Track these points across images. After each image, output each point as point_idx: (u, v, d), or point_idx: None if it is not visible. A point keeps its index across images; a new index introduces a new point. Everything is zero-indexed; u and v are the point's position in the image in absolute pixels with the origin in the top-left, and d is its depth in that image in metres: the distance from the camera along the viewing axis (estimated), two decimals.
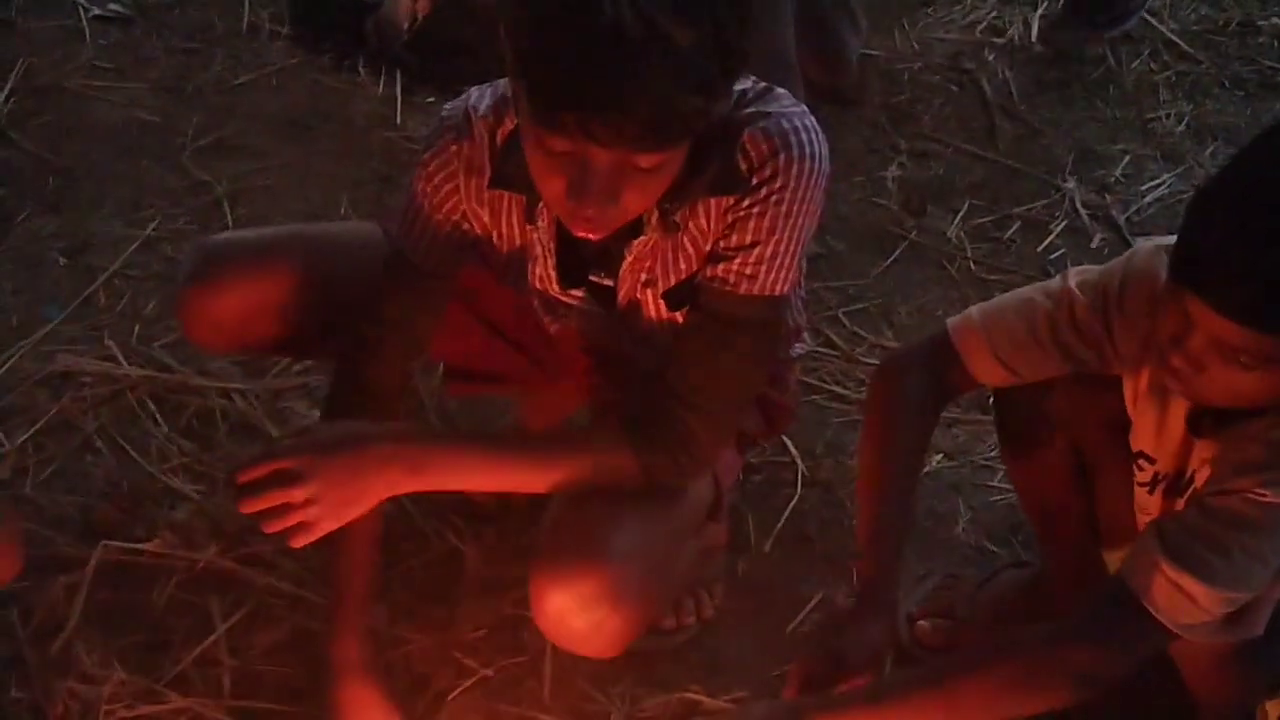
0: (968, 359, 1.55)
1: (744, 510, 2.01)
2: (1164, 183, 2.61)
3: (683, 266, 1.53)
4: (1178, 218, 2.45)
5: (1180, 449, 1.51)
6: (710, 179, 1.45)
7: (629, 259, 1.53)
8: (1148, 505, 1.59)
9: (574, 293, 1.60)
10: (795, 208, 1.46)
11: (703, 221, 1.49)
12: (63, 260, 2.44)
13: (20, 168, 2.62)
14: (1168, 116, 2.77)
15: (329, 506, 1.45)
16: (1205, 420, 1.45)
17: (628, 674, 1.80)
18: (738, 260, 1.48)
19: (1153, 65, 2.88)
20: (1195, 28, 2.96)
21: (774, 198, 1.45)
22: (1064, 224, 2.53)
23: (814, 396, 2.19)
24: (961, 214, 2.55)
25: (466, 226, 1.59)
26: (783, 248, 1.48)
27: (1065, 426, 1.63)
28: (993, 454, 2.08)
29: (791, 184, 1.45)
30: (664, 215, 1.47)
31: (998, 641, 1.58)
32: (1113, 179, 2.63)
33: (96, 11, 2.99)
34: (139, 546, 1.93)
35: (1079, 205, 2.56)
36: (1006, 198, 2.59)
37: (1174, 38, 2.92)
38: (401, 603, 1.87)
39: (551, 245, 1.55)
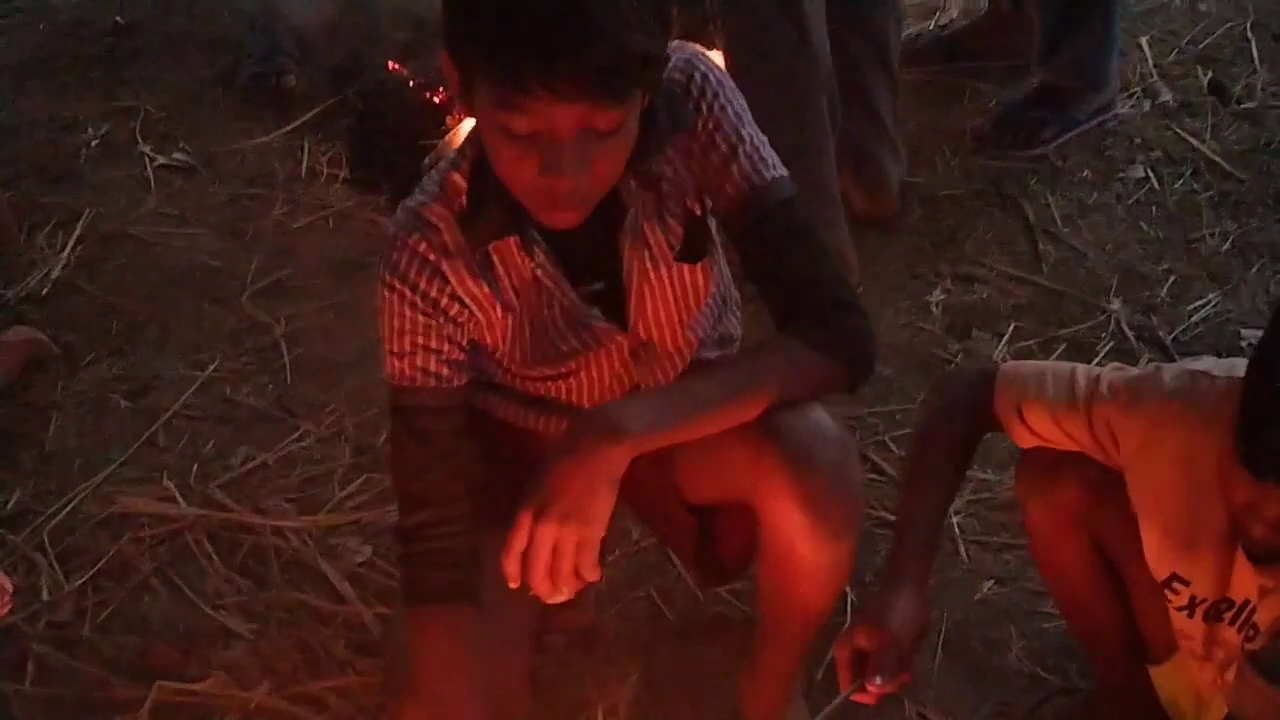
0: (998, 398, 1.61)
1: None
2: (1210, 302, 2.60)
3: (678, 212, 1.58)
4: (1224, 337, 2.52)
5: (1218, 571, 1.50)
6: (666, 122, 1.51)
7: (627, 244, 1.56)
8: (1190, 630, 1.57)
9: (594, 313, 1.59)
10: (735, 97, 1.57)
11: (674, 165, 1.56)
12: (125, 403, 2.51)
13: (86, 313, 2.72)
14: (1212, 236, 2.76)
15: (577, 515, 1.39)
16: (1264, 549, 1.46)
17: None
18: (735, 166, 1.55)
19: (1195, 185, 2.89)
20: (1236, 147, 2.97)
21: (719, 102, 1.55)
22: (1110, 345, 2.52)
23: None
24: (1006, 337, 2.55)
25: (461, 316, 1.56)
26: (755, 131, 1.57)
27: (1081, 521, 1.64)
28: None
29: (718, 83, 1.56)
30: (640, 174, 1.52)
31: None
32: (1158, 299, 2.62)
33: (161, 161, 3.11)
34: (192, 687, 1.96)
35: (1125, 326, 2.56)
36: (1051, 320, 2.59)
37: (1216, 158, 2.93)
38: None
39: (557, 271, 1.55)
